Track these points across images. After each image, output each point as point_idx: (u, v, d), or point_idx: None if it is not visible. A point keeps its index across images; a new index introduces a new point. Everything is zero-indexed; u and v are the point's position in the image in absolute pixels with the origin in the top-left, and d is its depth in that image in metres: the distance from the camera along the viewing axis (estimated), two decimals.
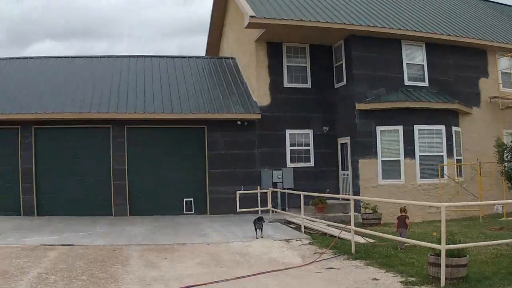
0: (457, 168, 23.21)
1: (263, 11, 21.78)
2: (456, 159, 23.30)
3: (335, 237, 15.20)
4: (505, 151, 20.29)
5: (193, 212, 22.68)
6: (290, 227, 18.66)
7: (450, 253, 9.90)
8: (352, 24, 22.28)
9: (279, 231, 17.52)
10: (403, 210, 14.48)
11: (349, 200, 21.76)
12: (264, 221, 16.29)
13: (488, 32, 26.41)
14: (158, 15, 77.03)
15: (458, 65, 24.73)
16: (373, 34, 22.71)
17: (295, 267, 11.89)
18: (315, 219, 18.60)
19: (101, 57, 26.97)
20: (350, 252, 13.36)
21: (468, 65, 25.03)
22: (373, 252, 13.29)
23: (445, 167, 22.64)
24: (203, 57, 27.54)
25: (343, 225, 15.60)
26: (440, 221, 9.83)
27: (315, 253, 13.62)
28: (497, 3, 34.32)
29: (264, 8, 22.18)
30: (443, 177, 22.45)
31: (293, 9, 22.59)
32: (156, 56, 26.77)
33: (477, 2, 32.70)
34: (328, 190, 23.22)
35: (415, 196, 21.82)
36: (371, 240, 14.99)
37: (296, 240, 15.60)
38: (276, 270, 11.50)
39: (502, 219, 20.83)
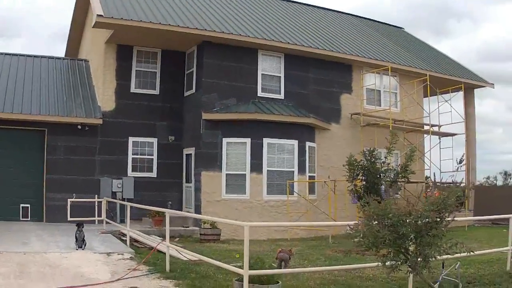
0: (308, 185, 22.45)
1: (113, 11, 20.58)
2: (309, 176, 22.58)
3: (163, 252, 13.83)
4: (356, 169, 19.51)
5: (29, 218, 21.19)
6: (123, 239, 17.48)
7: (259, 279, 8.97)
8: (205, 29, 21.28)
9: (106, 243, 16.42)
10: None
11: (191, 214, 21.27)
12: (83, 227, 15.11)
13: (356, 47, 25.97)
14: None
15: (320, 79, 24.16)
16: (227, 41, 21.83)
17: (97, 284, 10.96)
18: (139, 233, 17.50)
19: None
20: (165, 270, 12.40)
21: (331, 79, 24.49)
22: (191, 272, 12.36)
23: (295, 184, 21.86)
24: (56, 58, 25.93)
25: (176, 239, 14.35)
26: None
27: (129, 269, 12.55)
28: (374, 20, 34.23)
29: (116, 9, 20.97)
30: (292, 194, 21.65)
31: (146, 11, 21.45)
32: (9, 54, 25.06)
33: (351, 17, 32.73)
34: (170, 203, 22.20)
35: (261, 213, 21.01)
36: (194, 258, 13.68)
37: (118, 254, 14.51)
38: (73, 287, 10.57)
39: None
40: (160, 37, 21.74)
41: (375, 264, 9.32)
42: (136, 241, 16.86)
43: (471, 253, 8.48)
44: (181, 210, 22.61)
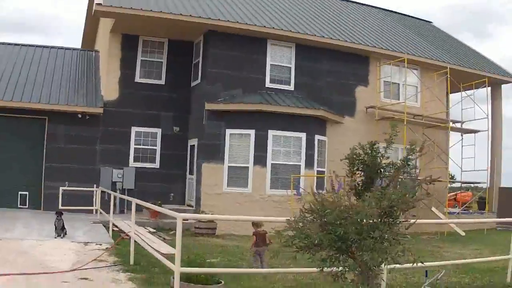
0: (317, 181, 21.50)
1: (113, 0, 20.21)
2: (318, 171, 21.62)
3: (147, 245, 12.78)
4: (356, 163, 18.47)
5: (27, 206, 20.99)
6: (114, 230, 16.85)
7: (198, 278, 8.06)
8: (210, 18, 20.67)
9: (91, 233, 16.15)
10: (258, 225, 12.32)
11: (191, 206, 20.72)
12: (62, 215, 14.80)
13: (374, 38, 24.94)
14: None
15: (334, 70, 23.17)
16: (234, 31, 21.16)
17: (51, 273, 10.44)
18: (129, 223, 16.75)
19: None
20: (129, 263, 11.70)
21: (346, 71, 23.48)
22: (155, 266, 11.49)
23: (301, 179, 20.97)
24: (67, 48, 25.68)
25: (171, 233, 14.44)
26: None
27: (95, 259, 11.96)
28: (402, 14, 33.03)
29: None
30: (298, 189, 20.75)
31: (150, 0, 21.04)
32: (25, 45, 24.89)
33: (374, 10, 31.57)
34: (172, 195, 21.94)
35: (264, 207, 20.18)
36: (170, 252, 12.50)
37: (96, 244, 14.14)
38: (22, 274, 10.10)
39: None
40: (164, 26, 21.31)
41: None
42: (124, 232, 16.24)
43: (421, 263, 6.89)
44: (184, 203, 22.17)
